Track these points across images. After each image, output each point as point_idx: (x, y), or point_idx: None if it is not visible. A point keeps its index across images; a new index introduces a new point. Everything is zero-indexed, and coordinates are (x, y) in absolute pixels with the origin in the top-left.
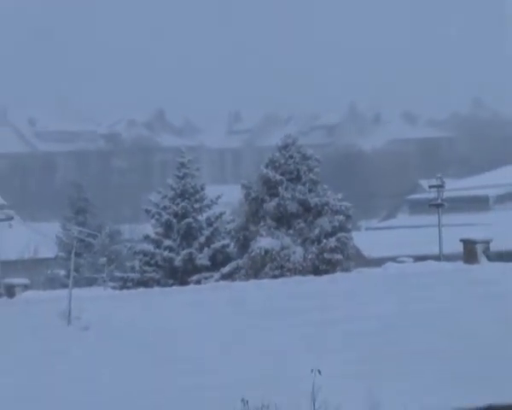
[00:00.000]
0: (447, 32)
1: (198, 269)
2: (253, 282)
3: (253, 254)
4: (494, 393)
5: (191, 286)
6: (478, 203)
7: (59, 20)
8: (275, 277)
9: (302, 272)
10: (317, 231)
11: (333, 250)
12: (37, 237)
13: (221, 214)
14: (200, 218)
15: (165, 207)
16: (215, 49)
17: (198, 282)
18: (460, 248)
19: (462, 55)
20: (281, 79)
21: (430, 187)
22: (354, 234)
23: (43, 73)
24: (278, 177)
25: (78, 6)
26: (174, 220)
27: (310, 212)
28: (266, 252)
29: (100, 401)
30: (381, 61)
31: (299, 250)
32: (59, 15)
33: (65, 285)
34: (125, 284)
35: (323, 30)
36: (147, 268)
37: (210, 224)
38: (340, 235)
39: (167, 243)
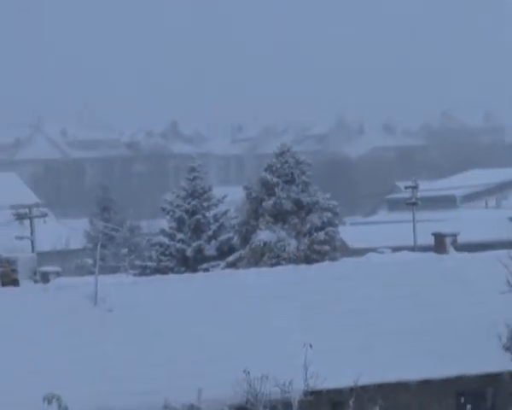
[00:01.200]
0: (418, 55)
1: (206, 258)
2: (253, 270)
3: (253, 245)
4: (463, 364)
5: (200, 273)
6: (447, 202)
7: (87, 46)
8: (272, 265)
9: (296, 261)
10: (308, 226)
11: (322, 242)
12: (68, 232)
13: (226, 212)
14: (208, 214)
15: (178, 206)
16: (219, 70)
17: (206, 270)
18: (431, 240)
19: (432, 75)
20: (277, 97)
21: (406, 188)
22: (340, 228)
23: (73, 91)
24: (275, 179)
25: (101, 32)
26: (186, 216)
27: (302, 209)
28: (265, 244)
29: (121, 368)
30: (364, 80)
31: (293, 242)
32: (87, 40)
33: (92, 272)
34: (143, 271)
35: (314, 53)
36: (162, 258)
37: (216, 220)
38: (328, 229)
39: (180, 236)
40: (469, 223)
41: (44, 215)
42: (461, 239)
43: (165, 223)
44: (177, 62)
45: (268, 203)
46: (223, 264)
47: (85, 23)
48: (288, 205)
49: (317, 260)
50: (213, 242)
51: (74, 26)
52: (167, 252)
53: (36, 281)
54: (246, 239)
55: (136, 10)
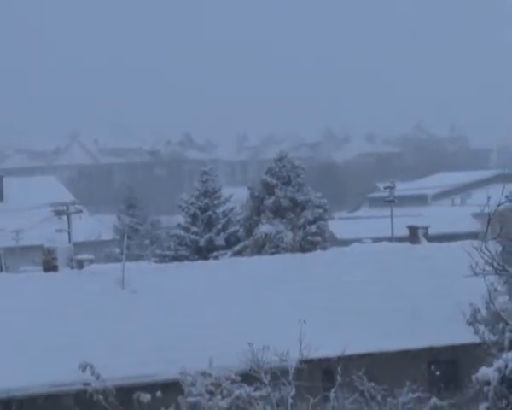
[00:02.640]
0: (395, 74)
1: (216, 248)
2: (256, 257)
3: (256, 237)
4: (433, 337)
5: (211, 260)
6: (419, 200)
7: (114, 67)
8: (272, 253)
9: (292, 250)
10: (302, 220)
11: (314, 234)
12: (100, 225)
13: (233, 208)
14: (217, 211)
15: (192, 203)
16: (226, 87)
17: (216, 257)
18: (406, 232)
19: (407, 92)
20: (275, 110)
21: (385, 188)
22: (329, 222)
23: (103, 106)
24: (274, 181)
25: (126, 54)
26: (199, 213)
27: (297, 206)
28: (266, 235)
29: (144, 341)
30: (350, 97)
31: (290, 234)
32: (114, 61)
33: (119, 260)
34: (163, 259)
35: (306, 73)
36: (179, 247)
37: (225, 215)
38: (319, 223)
39: (194, 229)
40: (438, 218)
41: (79, 212)
42: (431, 231)
43: (181, 218)
44: (190, 79)
45: (268, 201)
46: (230, 252)
47: (113, 43)
48: (285, 203)
49: (309, 250)
50: (222, 234)
51: (101, 44)
52: (183, 243)
53: (72, 267)
54: (249, 231)
55: (155, 29)
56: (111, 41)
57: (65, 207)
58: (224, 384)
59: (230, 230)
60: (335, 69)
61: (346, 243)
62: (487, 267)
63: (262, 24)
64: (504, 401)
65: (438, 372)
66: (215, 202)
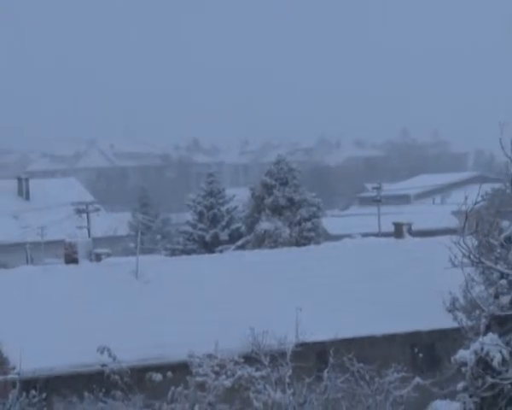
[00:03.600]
0: (384, 83)
1: (221, 242)
2: (256, 251)
3: (256, 232)
4: (416, 323)
5: (216, 254)
6: (403, 199)
7: (128, 79)
8: (271, 248)
9: (289, 244)
10: (298, 218)
11: (309, 230)
12: (116, 222)
13: (235, 207)
14: (222, 209)
15: (199, 202)
16: (229, 96)
17: (221, 251)
18: (392, 228)
19: (393, 100)
20: (274, 119)
21: (372, 188)
22: (323, 219)
23: (118, 114)
24: (273, 182)
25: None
26: (205, 211)
27: (294, 205)
28: (265, 231)
29: (155, 327)
30: (341, 105)
31: (287, 230)
32: (127, 75)
33: (133, 253)
34: (173, 252)
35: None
36: (187, 242)
37: (228, 213)
38: (313, 220)
39: (200, 225)
40: (421, 215)
41: (97, 210)
42: (414, 227)
43: (189, 216)
44: (200, 90)
45: (268, 200)
46: (233, 247)
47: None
48: (283, 202)
49: (305, 244)
50: (226, 230)
51: (117, 60)
52: (191, 238)
53: (91, 260)
54: (251, 228)
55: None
56: (123, 56)
57: (84, 206)
58: (227, 365)
59: (233, 226)
60: (328, 85)
61: (338, 238)
62: (465, 260)
63: (265, 43)
64: (480, 381)
65: (420, 355)
66: (220, 201)
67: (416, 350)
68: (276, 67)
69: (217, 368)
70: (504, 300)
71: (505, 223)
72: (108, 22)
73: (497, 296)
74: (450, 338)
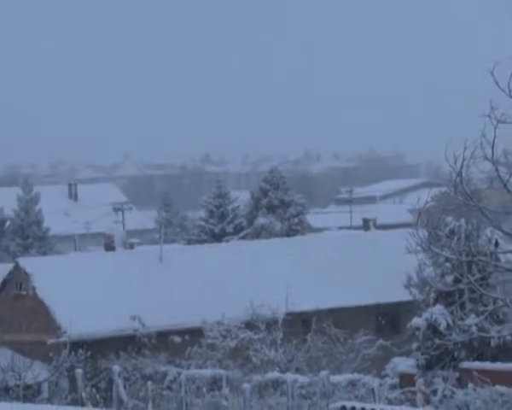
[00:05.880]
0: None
1: (227, 234)
2: (255, 241)
3: (255, 226)
4: (379, 297)
5: (223, 243)
6: (370, 200)
7: (153, 100)
8: (266, 238)
9: (280, 235)
10: (288, 215)
11: (296, 224)
12: (144, 218)
13: (238, 206)
14: (228, 208)
15: (210, 203)
16: (233, 120)
17: (227, 241)
18: (361, 223)
19: (363, 119)
20: (268, 139)
21: (346, 192)
22: (307, 216)
23: (147, 132)
24: (268, 186)
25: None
26: (214, 209)
27: (284, 204)
28: (262, 225)
29: (176, 300)
30: (320, 127)
31: (279, 224)
32: (153, 96)
33: (158, 243)
34: (189, 242)
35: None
36: (201, 234)
37: (233, 211)
38: (300, 216)
39: (211, 221)
40: (384, 213)
41: (130, 209)
42: (379, 222)
43: (202, 213)
44: (212, 110)
45: (264, 201)
46: (237, 237)
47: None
48: (275, 202)
49: (293, 235)
50: (231, 224)
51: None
52: (204, 230)
53: (125, 248)
54: (250, 222)
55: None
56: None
57: (120, 206)
58: (232, 330)
59: (237, 221)
60: (316, 101)
61: (319, 230)
62: (418, 247)
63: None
64: (430, 342)
65: (383, 322)
66: (226, 201)
67: (380, 318)
68: (269, 86)
69: (224, 332)
70: (448, 279)
71: (449, 219)
72: (137, 45)
73: (442, 276)
74: (406, 309)
